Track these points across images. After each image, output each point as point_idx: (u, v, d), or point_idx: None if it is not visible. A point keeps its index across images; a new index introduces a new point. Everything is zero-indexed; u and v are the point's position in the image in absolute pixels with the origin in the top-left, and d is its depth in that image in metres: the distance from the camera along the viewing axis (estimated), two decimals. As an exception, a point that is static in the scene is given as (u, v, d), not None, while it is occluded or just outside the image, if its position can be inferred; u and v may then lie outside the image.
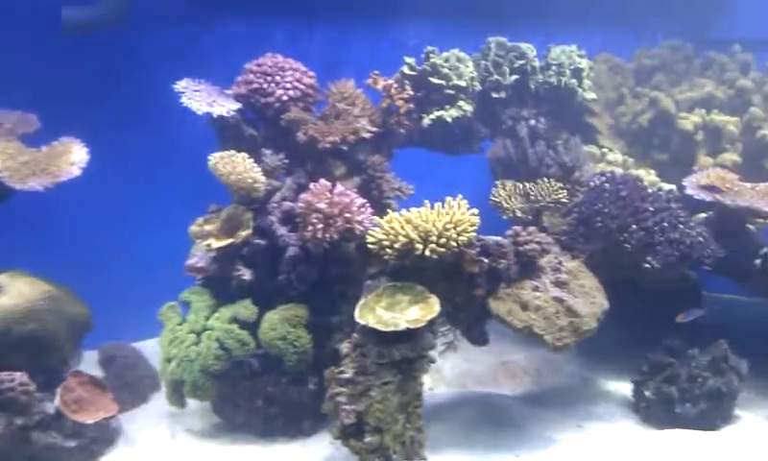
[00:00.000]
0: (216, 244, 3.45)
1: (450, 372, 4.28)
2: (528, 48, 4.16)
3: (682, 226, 3.65)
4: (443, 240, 3.25)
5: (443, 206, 3.35)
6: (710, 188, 3.81)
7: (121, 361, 3.88)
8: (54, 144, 3.38)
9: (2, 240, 3.60)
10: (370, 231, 3.32)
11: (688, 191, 3.83)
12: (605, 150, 4.25)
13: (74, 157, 3.30)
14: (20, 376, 3.14)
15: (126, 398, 3.77)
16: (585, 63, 4.24)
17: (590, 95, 4.28)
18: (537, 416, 3.73)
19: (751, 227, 4.02)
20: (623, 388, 3.95)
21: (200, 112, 3.50)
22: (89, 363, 3.83)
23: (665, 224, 3.60)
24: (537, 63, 4.18)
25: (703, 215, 4.03)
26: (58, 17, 3.74)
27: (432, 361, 3.40)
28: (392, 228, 3.31)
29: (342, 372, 3.24)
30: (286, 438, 3.55)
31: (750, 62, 4.53)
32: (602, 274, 3.74)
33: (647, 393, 3.69)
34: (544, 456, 3.34)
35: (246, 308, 3.47)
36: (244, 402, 3.54)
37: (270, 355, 3.45)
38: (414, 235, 3.24)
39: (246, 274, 3.48)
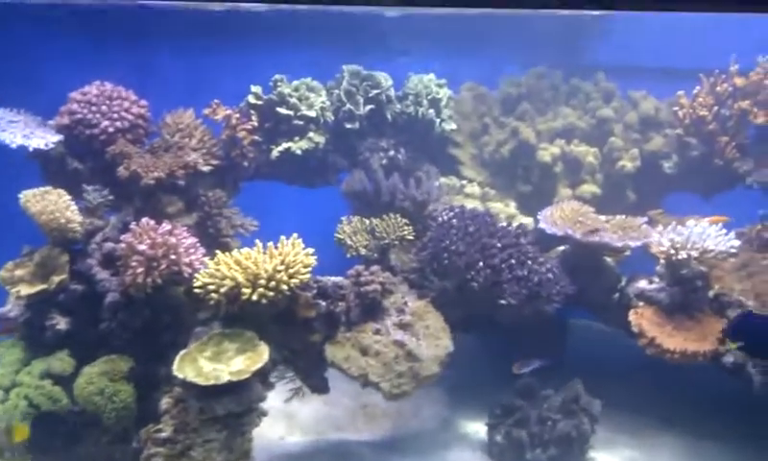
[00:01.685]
0: (26, 291, 3.18)
1: (307, 417, 4.11)
2: (383, 77, 4.08)
3: (530, 262, 3.63)
4: (272, 284, 3.10)
5: (275, 247, 3.22)
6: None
7: None
8: None
9: None
10: (196, 275, 3.15)
11: (541, 225, 3.82)
12: (464, 182, 4.20)
13: None
14: None
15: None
16: (443, 93, 4.20)
17: (450, 126, 4.23)
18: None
19: (609, 259, 4.05)
20: (482, 430, 3.88)
21: (13, 146, 3.25)
22: None
23: (513, 261, 3.58)
24: (392, 93, 4.11)
25: (561, 249, 4.04)
26: None
27: (263, 414, 3.25)
28: (218, 270, 3.14)
29: (159, 430, 3.04)
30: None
31: (613, 91, 4.59)
32: (458, 311, 3.69)
33: (498, 437, 3.63)
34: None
35: (60, 361, 3.21)
36: (62, 464, 3.28)
37: (88, 412, 3.21)
38: (241, 279, 3.08)
39: (61, 323, 3.22)
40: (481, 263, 3.50)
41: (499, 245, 3.56)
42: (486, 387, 4.16)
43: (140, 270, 3.11)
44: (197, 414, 3.00)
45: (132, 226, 3.15)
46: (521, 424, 3.58)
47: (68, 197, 3.25)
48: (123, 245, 3.14)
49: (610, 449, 3.79)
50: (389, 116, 4.12)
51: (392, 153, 4.08)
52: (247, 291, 3.03)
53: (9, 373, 3.20)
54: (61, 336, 3.24)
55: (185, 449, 3.00)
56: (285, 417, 4.04)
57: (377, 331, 3.34)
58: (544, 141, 4.36)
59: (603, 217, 3.97)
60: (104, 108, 3.42)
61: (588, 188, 4.23)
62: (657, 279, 3.79)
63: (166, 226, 3.21)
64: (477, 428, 3.93)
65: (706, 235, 3.63)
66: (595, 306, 3.94)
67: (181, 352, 3.05)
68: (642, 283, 3.82)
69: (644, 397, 4.12)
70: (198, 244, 3.27)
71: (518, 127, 4.32)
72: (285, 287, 3.07)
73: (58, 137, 3.37)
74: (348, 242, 3.52)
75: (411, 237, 3.60)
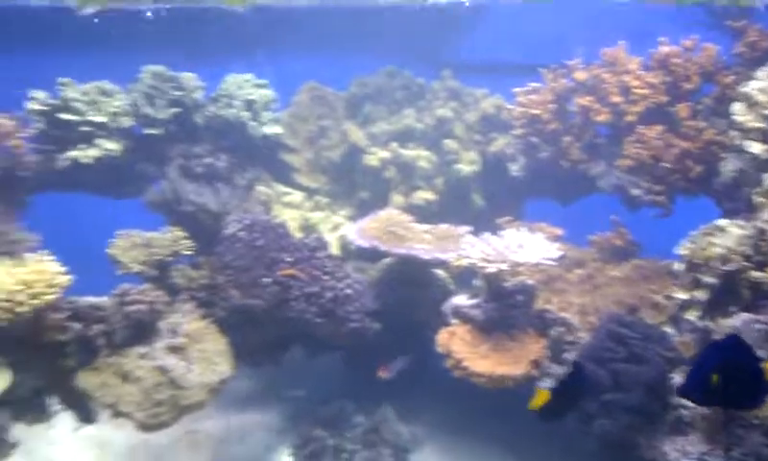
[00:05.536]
0: None
1: (123, 443, 3.98)
2: (190, 78, 3.96)
3: (326, 277, 3.50)
4: (8, 304, 2.99)
5: (23, 266, 3.11)
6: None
7: None
8: None
9: None
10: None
11: (350, 236, 3.68)
12: (286, 190, 4.07)
13: None
14: None
15: None
16: (260, 94, 4.06)
17: (271, 129, 4.10)
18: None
19: (442, 272, 3.90)
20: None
21: None
22: None
23: (303, 276, 3.44)
24: (198, 95, 3.98)
25: (387, 261, 3.89)
26: None
27: (13, 444, 3.14)
28: (-47, 293, 3.04)
29: None
30: None
31: (458, 89, 4.43)
32: (269, 331, 3.57)
33: (294, 468, 3.51)
34: None
35: None
36: None
37: None
38: (-26, 301, 2.98)
39: None
40: (268, 280, 3.37)
41: (290, 259, 3.43)
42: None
43: None
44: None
45: None
46: (316, 455, 3.44)
47: None
48: None
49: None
50: (199, 120, 4.00)
51: (208, 159, 3.95)
52: (-20, 313, 2.92)
53: None
54: None
55: None
56: (97, 444, 3.91)
57: (143, 355, 3.22)
58: (378, 144, 4.22)
59: (425, 227, 3.83)
60: None
61: (423, 195, 4.08)
62: (476, 295, 3.65)
63: None
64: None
65: (520, 246, 3.48)
66: (418, 322, 3.80)
67: None
68: (460, 299, 3.67)
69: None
70: (-54, 263, 3.16)
71: (349, 129, 4.18)
72: (26, 308, 2.96)
73: None
74: (121, 258, 3.39)
75: (188, 252, 3.47)
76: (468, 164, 4.15)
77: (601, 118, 3.95)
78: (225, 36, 4.87)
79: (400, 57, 4.82)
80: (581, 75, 4.05)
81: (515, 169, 4.24)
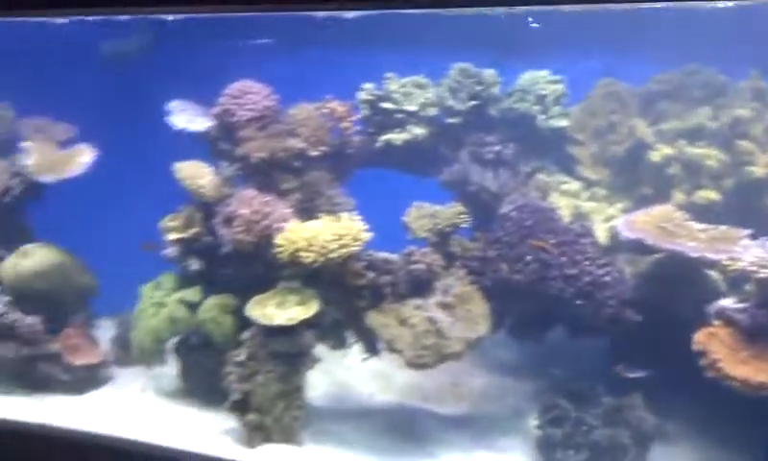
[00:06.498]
0: (174, 237, 4.47)
1: (400, 381, 4.74)
2: (490, 75, 4.47)
3: (586, 262, 3.72)
4: (323, 250, 3.86)
5: (337, 222, 3.96)
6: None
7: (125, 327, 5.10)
8: (74, 148, 4.73)
9: (45, 222, 5.05)
10: (276, 238, 4.07)
11: (619, 228, 3.84)
12: (565, 179, 4.35)
13: (82, 159, 4.60)
14: (31, 319, 4.51)
15: (124, 356, 4.98)
16: (552, 89, 4.39)
17: (558, 122, 4.41)
18: (446, 441, 4.09)
19: (714, 274, 3.83)
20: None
21: (177, 128, 4.58)
22: (106, 327, 5.17)
23: (564, 259, 3.71)
24: (496, 90, 4.47)
25: (655, 257, 3.95)
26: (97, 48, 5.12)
27: (317, 360, 4.04)
28: (289, 236, 4.02)
29: (237, 355, 4.04)
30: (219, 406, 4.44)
31: (764, 90, 4.17)
32: (530, 306, 3.96)
33: (538, 431, 3.82)
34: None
35: (193, 292, 4.44)
36: (191, 372, 4.52)
37: (203, 333, 4.38)
38: (301, 244, 3.90)
39: (194, 264, 4.43)
40: (529, 257, 3.75)
41: (553, 241, 3.75)
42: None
43: (241, 229, 4.16)
44: (262, 348, 3.95)
45: (238, 193, 4.22)
46: (557, 422, 3.73)
47: (207, 168, 4.45)
48: (230, 208, 4.23)
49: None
50: (494, 112, 4.50)
51: (497, 147, 4.46)
52: (304, 255, 3.85)
53: (162, 295, 4.55)
54: (195, 274, 4.47)
55: (252, 373, 3.96)
56: (381, 377, 4.74)
57: (418, 307, 3.87)
58: (665, 141, 4.24)
59: (701, 226, 3.78)
60: (241, 100, 4.55)
61: (706, 194, 4.02)
62: (745, 300, 3.54)
63: (265, 197, 4.21)
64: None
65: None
66: (679, 320, 3.80)
67: (256, 297, 4.02)
68: (728, 301, 3.59)
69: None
70: (289, 214, 4.19)
71: (636, 125, 4.28)
72: (335, 255, 3.81)
73: (209, 124, 4.60)
74: (412, 225, 4.08)
75: (466, 225, 4.01)
76: (763, 167, 3.96)
77: None
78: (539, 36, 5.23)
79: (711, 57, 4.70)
80: None
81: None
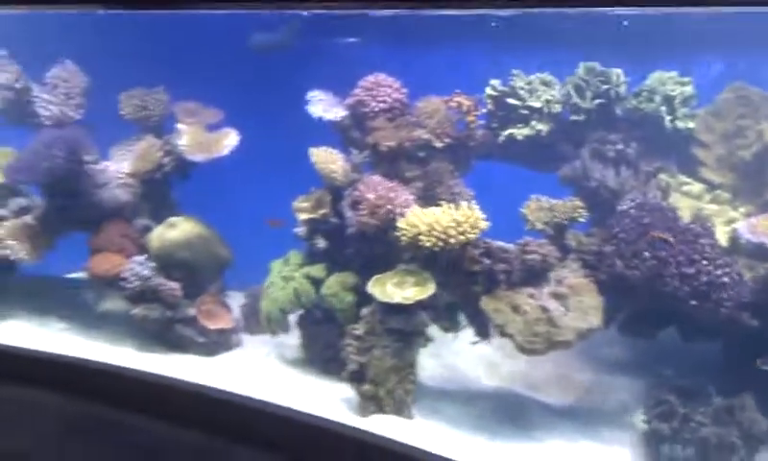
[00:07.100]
0: (304, 217, 4.84)
1: (506, 369, 4.88)
2: (616, 74, 4.52)
3: (704, 262, 3.72)
4: (443, 235, 4.07)
5: (456, 209, 4.17)
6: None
7: (254, 298, 5.54)
8: (221, 131, 5.21)
9: (190, 197, 5.57)
10: (398, 222, 4.33)
11: (741, 230, 3.81)
12: (687, 181, 4.34)
13: (227, 141, 5.07)
14: (173, 284, 5.02)
15: (252, 324, 5.42)
16: (680, 91, 4.39)
17: (684, 124, 4.40)
18: (551, 428, 4.22)
19: None
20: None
21: (314, 116, 4.94)
22: (235, 298, 5.63)
23: (681, 257, 3.73)
24: (622, 89, 4.51)
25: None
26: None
27: (429, 339, 4.26)
28: (410, 220, 4.27)
29: (356, 329, 4.34)
30: (336, 376, 4.75)
31: None
32: (644, 304, 4.01)
33: (645, 425, 3.86)
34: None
35: (318, 269, 4.80)
36: (312, 342, 4.88)
37: (325, 307, 4.72)
38: (422, 229, 4.14)
39: (321, 243, 4.79)
40: (647, 254, 3.81)
41: (672, 240, 3.79)
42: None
43: (365, 213, 4.46)
44: (380, 323, 4.23)
45: (364, 179, 4.53)
46: (665, 417, 3.76)
47: (339, 155, 4.78)
48: (357, 192, 4.54)
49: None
50: (619, 111, 4.56)
51: (620, 146, 4.52)
52: (424, 239, 4.09)
53: (290, 270, 4.94)
54: (321, 252, 4.82)
55: (369, 347, 4.24)
56: (488, 364, 4.91)
57: (531, 295, 4.01)
58: (798, 147, 4.16)
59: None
60: (374, 92, 4.86)
61: (837, 203, 3.92)
62: None
63: (390, 183, 4.49)
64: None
65: None
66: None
67: (376, 276, 4.30)
68: None
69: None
70: (411, 200, 4.45)
71: (765, 129, 4.21)
72: (453, 240, 4.03)
73: (343, 113, 4.94)
74: (529, 217, 4.22)
75: (583, 220, 4.10)
76: None
77: None
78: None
79: None
80: None
81: None
